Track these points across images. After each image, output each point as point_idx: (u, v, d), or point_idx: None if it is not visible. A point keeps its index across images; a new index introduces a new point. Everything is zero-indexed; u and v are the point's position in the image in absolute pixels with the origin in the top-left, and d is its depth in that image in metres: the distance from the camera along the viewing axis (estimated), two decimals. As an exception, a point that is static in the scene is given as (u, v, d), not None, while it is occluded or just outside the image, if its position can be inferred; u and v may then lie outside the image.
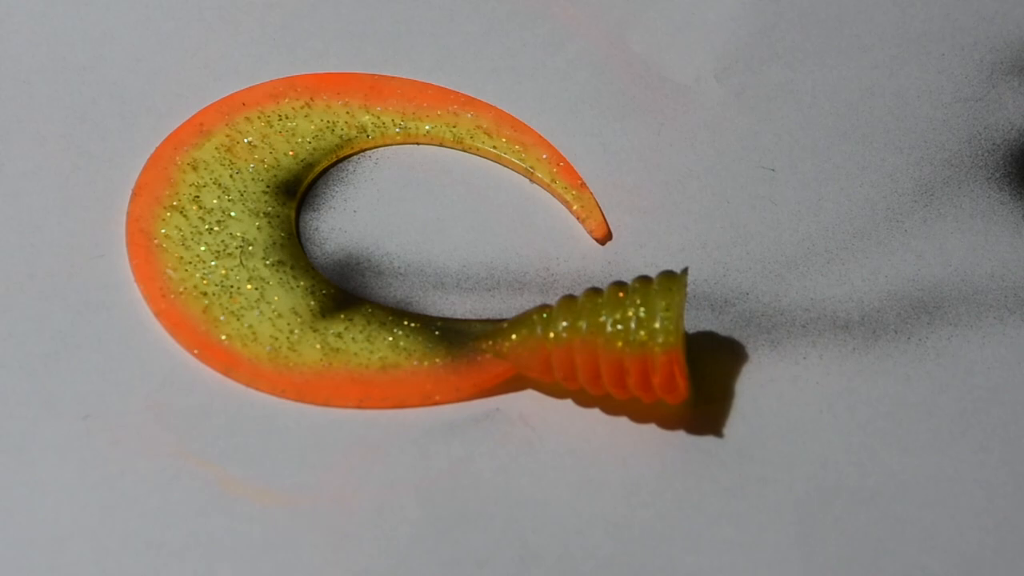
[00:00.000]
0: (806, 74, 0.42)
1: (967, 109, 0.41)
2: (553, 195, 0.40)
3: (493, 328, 0.36)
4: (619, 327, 0.34)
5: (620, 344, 0.34)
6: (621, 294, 0.34)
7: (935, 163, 0.40)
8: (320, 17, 0.43)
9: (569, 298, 0.35)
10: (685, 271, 0.35)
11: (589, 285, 0.38)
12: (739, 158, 0.40)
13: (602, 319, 0.34)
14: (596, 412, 0.36)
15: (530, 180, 0.40)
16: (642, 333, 0.34)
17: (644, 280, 0.35)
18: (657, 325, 0.34)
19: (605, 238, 0.39)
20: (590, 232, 0.39)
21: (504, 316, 0.37)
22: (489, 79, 0.42)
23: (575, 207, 0.39)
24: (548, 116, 0.41)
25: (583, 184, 0.40)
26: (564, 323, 0.34)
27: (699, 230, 0.39)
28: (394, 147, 0.41)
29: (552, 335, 0.34)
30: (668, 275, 0.35)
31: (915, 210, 0.39)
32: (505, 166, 0.40)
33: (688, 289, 0.37)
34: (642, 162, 0.40)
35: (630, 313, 0.34)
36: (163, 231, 0.38)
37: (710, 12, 0.43)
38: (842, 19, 0.42)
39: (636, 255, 0.38)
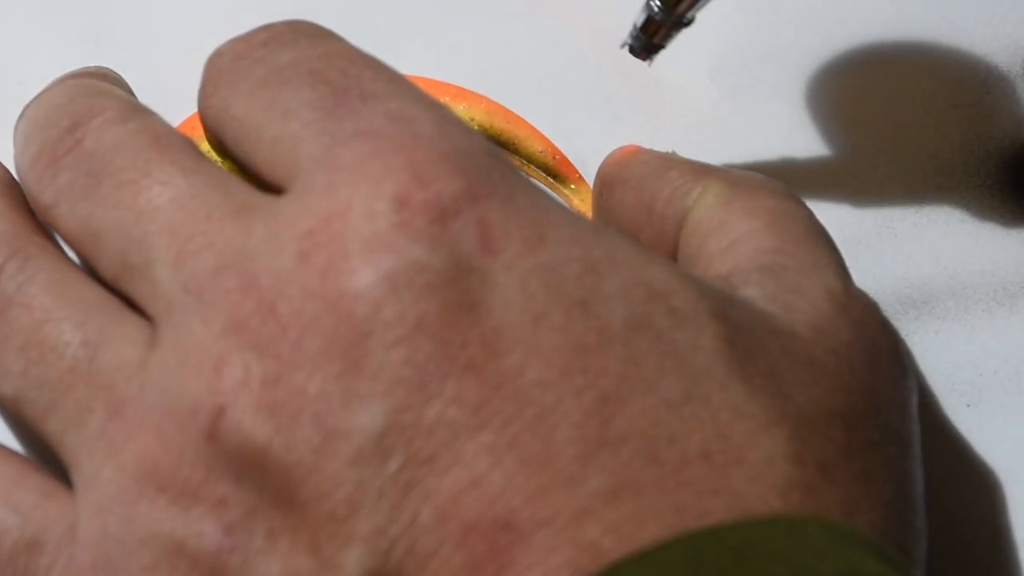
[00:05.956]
0: (800, 75, 0.42)
1: (960, 116, 0.41)
2: (551, 189, 0.39)
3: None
4: None
5: None
6: None
7: (927, 169, 0.40)
8: (311, 11, 0.43)
9: None
10: None
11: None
12: (732, 159, 0.40)
13: None
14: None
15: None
16: None
17: None
18: None
19: (601, 233, 0.38)
20: (587, 227, 0.38)
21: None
22: (483, 75, 0.41)
23: (575, 201, 0.39)
24: (542, 112, 0.41)
25: (580, 177, 0.39)
26: None
27: (697, 228, 0.39)
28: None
29: None
30: None
31: (906, 215, 0.39)
32: (498, 159, 0.40)
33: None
34: (640, 158, 0.40)
35: None
36: None
37: (705, 11, 0.43)
38: (837, 21, 0.42)
39: (634, 251, 0.38)
